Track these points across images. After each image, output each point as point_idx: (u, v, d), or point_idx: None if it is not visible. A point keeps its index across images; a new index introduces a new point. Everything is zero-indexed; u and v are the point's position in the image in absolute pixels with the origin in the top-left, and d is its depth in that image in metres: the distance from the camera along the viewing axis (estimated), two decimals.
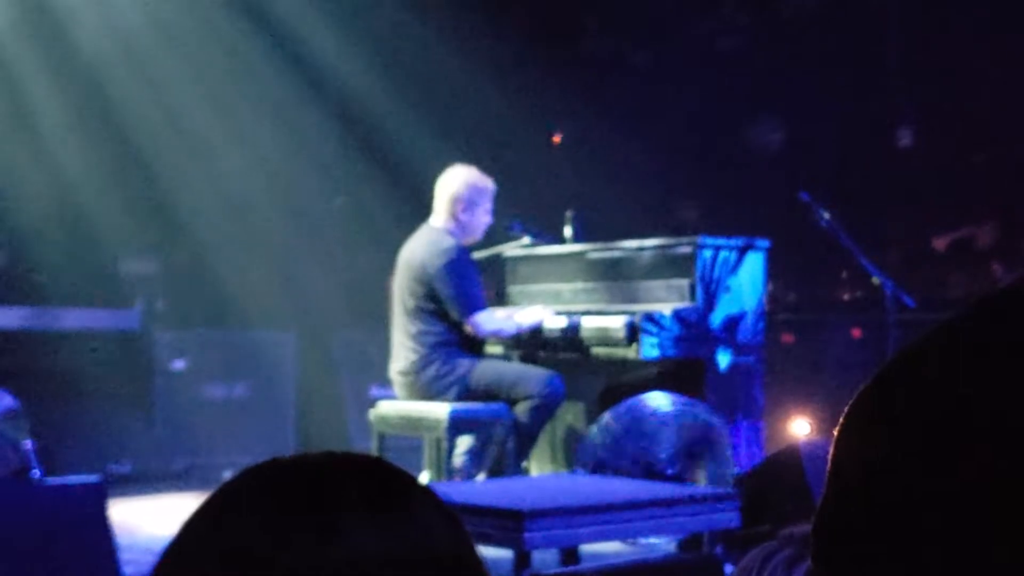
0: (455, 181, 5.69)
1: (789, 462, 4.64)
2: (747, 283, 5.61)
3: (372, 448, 5.67)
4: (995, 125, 8.98)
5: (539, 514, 3.69)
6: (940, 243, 8.40)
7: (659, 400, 5.15)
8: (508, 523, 3.65)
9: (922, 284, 8.00)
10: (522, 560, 3.79)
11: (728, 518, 4.09)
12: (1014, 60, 8.54)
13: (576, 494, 4.10)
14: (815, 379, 7.40)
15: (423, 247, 5.63)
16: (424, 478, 5.45)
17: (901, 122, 9.53)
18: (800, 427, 7.13)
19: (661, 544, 4.91)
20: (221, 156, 8.61)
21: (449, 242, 5.58)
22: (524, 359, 6.03)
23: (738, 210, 8.77)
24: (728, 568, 3.14)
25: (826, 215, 5.70)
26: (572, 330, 5.66)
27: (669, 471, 5.01)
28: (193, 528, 0.83)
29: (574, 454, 5.73)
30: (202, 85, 8.49)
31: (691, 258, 5.53)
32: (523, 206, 6.45)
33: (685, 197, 9.42)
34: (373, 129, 8.88)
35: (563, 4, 10.12)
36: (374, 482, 0.85)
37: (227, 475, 6.81)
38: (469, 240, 5.73)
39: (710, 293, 5.52)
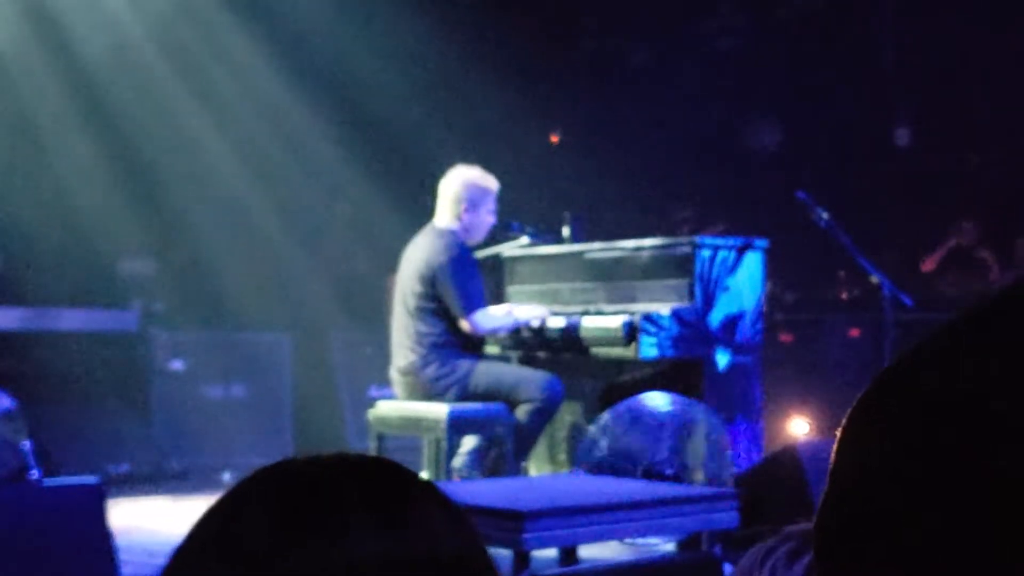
0: (457, 182, 5.69)
1: (788, 462, 4.64)
2: (745, 283, 5.61)
3: (371, 448, 5.67)
4: (991, 125, 8.98)
5: (538, 514, 3.69)
6: (929, 263, 8.39)
7: (658, 400, 5.15)
8: (507, 523, 3.65)
9: (920, 283, 8.01)
10: (521, 560, 3.79)
11: (727, 518, 4.09)
12: (1010, 59, 8.54)
13: (575, 494, 4.10)
14: (813, 379, 7.41)
15: (427, 246, 5.63)
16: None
17: (898, 122, 9.54)
18: (798, 427, 7.14)
19: (660, 544, 4.91)
20: (218, 158, 8.61)
21: (452, 240, 5.59)
22: (523, 360, 6.03)
23: (736, 210, 8.78)
24: (727, 568, 3.14)
25: (824, 215, 5.70)
26: (571, 330, 5.66)
27: (668, 471, 5.01)
28: (202, 529, 0.84)
29: (573, 454, 5.73)
30: (199, 88, 8.49)
31: (690, 258, 5.53)
32: (521, 206, 6.44)
33: (683, 197, 9.42)
34: (371, 131, 8.87)
35: (562, 5, 10.12)
36: (382, 483, 0.85)
37: (225, 475, 6.82)
38: (473, 240, 5.73)
39: (708, 293, 5.52)
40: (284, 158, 9.00)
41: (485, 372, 5.55)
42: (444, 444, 5.40)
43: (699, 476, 5.05)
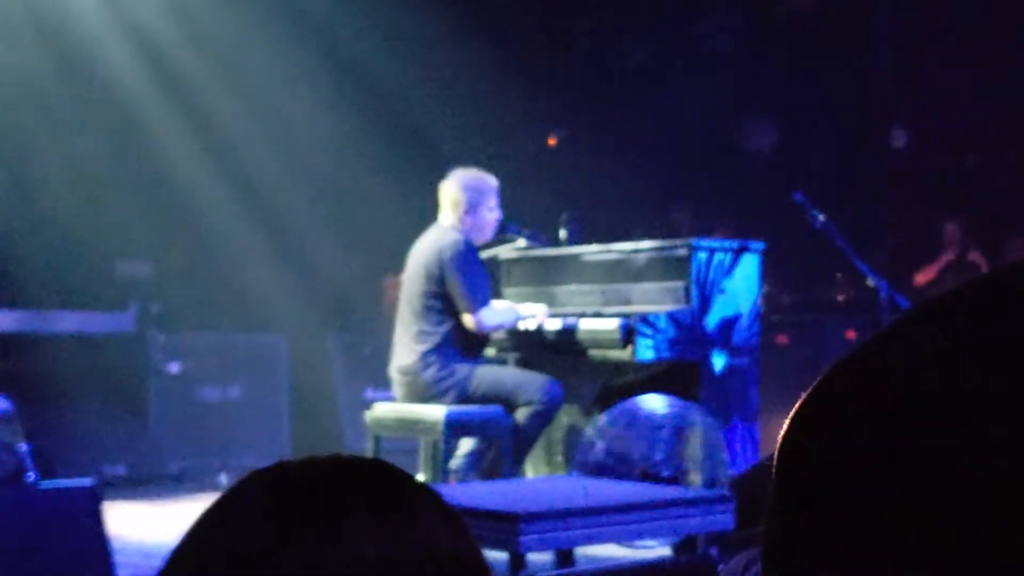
0: (454, 185, 5.70)
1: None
2: (742, 285, 5.62)
3: (368, 450, 5.68)
4: (988, 126, 8.99)
5: (534, 516, 3.69)
6: (923, 277, 8.38)
7: (654, 402, 5.15)
8: (503, 525, 3.65)
9: (917, 285, 8.01)
10: (517, 562, 3.79)
11: (723, 520, 4.09)
12: (1008, 60, 8.55)
13: (571, 496, 4.10)
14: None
15: (434, 243, 5.65)
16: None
17: (895, 123, 9.55)
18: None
19: (656, 546, 4.91)
20: (215, 160, 8.61)
21: (458, 238, 5.61)
22: (520, 362, 6.03)
23: (733, 211, 8.78)
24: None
25: (820, 216, 5.71)
26: (567, 332, 5.66)
27: (664, 473, 5.01)
28: (199, 531, 0.85)
29: (570, 456, 5.73)
30: (198, 90, 8.48)
31: (686, 260, 5.53)
32: (518, 208, 6.45)
33: (680, 199, 9.43)
34: (368, 132, 8.87)
35: (559, 7, 10.12)
36: (378, 485, 0.86)
37: (222, 477, 6.82)
38: (481, 239, 5.74)
39: (705, 295, 5.52)
40: (281, 159, 9.00)
41: (485, 375, 5.55)
42: (441, 446, 5.40)
43: (695, 478, 5.05)
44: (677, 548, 4.66)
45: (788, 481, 0.61)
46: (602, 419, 5.17)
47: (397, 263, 5.92)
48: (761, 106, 9.67)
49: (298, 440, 8.08)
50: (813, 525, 0.58)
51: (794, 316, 8.20)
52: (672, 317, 5.43)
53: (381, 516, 0.83)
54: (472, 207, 5.67)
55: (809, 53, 9.29)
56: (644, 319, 5.38)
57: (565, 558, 4.23)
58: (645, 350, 5.36)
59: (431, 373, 5.54)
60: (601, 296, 5.90)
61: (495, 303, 5.73)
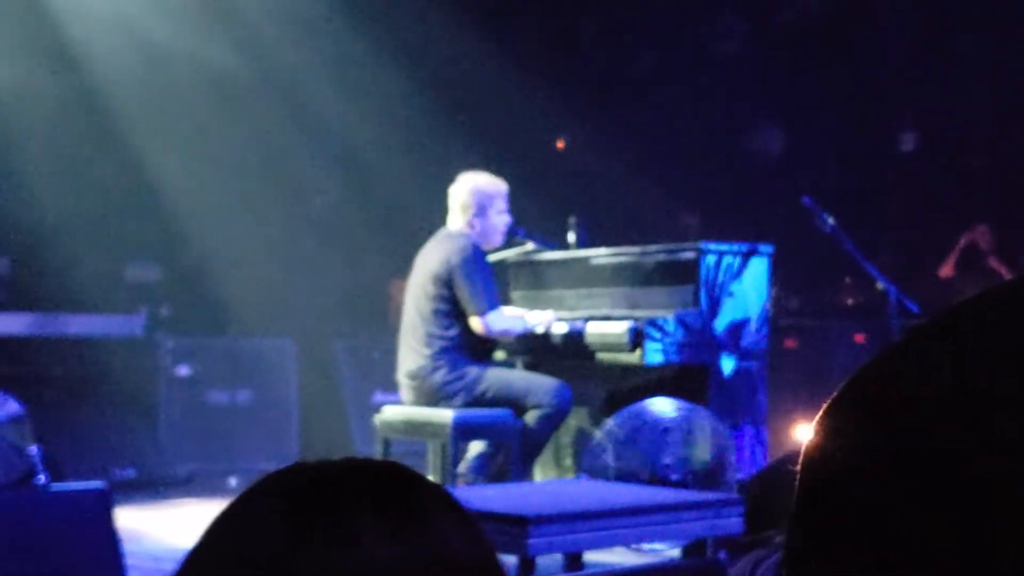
0: (463, 190, 5.70)
1: (793, 467, 4.64)
2: (751, 288, 5.61)
3: (377, 453, 5.68)
4: (994, 128, 8.97)
5: (543, 520, 3.69)
6: (947, 269, 8.35)
7: (663, 406, 5.15)
8: (512, 529, 3.65)
9: (926, 289, 8.00)
10: (526, 566, 3.79)
11: (732, 524, 4.09)
12: (1014, 62, 8.53)
13: (580, 500, 4.10)
14: (819, 384, 7.40)
15: (442, 247, 5.64)
16: None
17: (903, 126, 9.53)
18: (803, 433, 7.13)
19: (665, 550, 4.91)
20: (224, 165, 8.63)
21: (467, 242, 5.60)
22: (528, 365, 6.03)
23: (741, 215, 8.77)
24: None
25: (829, 220, 5.71)
26: (576, 336, 5.66)
27: (673, 477, 5.01)
28: (214, 533, 0.85)
29: (578, 460, 5.73)
30: (204, 95, 8.50)
31: (695, 264, 5.53)
32: (527, 212, 6.45)
33: (688, 203, 9.43)
34: (375, 136, 8.88)
35: (566, 12, 10.13)
36: (393, 488, 0.86)
37: (231, 481, 6.83)
38: (490, 243, 5.73)
39: (714, 299, 5.52)
40: (288, 165, 9.02)
41: (494, 378, 5.55)
42: (449, 449, 5.40)
43: (704, 482, 5.05)
44: (686, 551, 4.66)
45: (812, 489, 0.62)
46: (611, 423, 5.17)
47: (405, 268, 5.92)
48: (769, 110, 9.67)
49: (307, 444, 8.09)
50: (838, 533, 0.59)
51: (803, 320, 8.19)
52: (681, 320, 5.43)
53: (397, 518, 0.83)
54: (481, 210, 5.67)
55: (817, 57, 9.28)
56: (652, 323, 5.38)
57: (574, 562, 4.23)
58: (654, 354, 5.36)
59: (440, 376, 5.54)
60: (609, 299, 5.90)
61: (504, 310, 5.73)
